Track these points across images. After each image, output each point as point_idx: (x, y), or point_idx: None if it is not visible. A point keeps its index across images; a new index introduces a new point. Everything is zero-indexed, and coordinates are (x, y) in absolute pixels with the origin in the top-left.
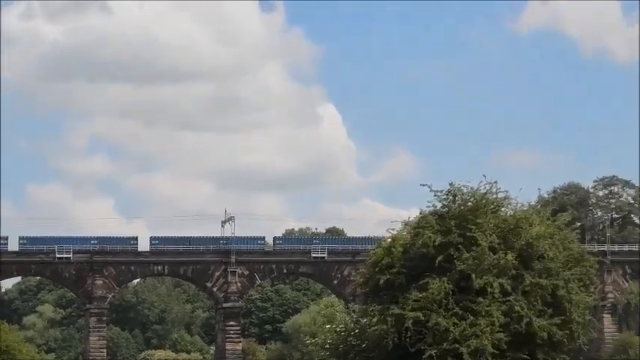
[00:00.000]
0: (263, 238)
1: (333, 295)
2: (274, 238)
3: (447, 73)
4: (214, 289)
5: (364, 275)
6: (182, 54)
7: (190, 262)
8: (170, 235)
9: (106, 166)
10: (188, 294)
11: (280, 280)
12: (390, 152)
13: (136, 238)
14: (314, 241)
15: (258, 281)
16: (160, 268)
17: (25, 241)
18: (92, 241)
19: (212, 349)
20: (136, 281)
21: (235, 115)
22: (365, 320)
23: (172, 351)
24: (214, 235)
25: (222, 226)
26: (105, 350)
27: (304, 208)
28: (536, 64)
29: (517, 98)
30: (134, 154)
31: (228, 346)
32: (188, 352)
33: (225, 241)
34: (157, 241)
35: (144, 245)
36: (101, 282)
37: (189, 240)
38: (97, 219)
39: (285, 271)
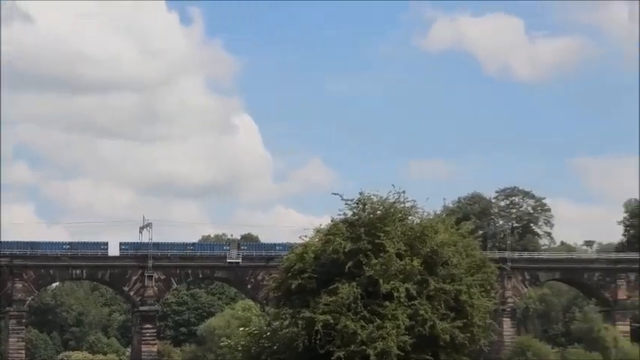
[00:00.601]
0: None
1: (248, 299)
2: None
3: (359, 86)
4: (131, 293)
5: (277, 280)
6: (104, 65)
7: (108, 266)
8: (88, 240)
9: (28, 173)
10: (105, 297)
11: (196, 284)
12: (303, 162)
13: (106, 243)
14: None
15: (175, 285)
16: (78, 272)
17: None
18: (65, 246)
19: (128, 351)
20: (54, 284)
21: (155, 125)
22: (277, 323)
23: (89, 352)
24: (133, 241)
25: (140, 232)
26: (24, 352)
27: (220, 215)
28: (443, 79)
29: (425, 112)
30: (56, 162)
31: (144, 348)
32: (105, 354)
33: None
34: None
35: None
36: (21, 285)
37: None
38: (17, 224)
39: (200, 275)
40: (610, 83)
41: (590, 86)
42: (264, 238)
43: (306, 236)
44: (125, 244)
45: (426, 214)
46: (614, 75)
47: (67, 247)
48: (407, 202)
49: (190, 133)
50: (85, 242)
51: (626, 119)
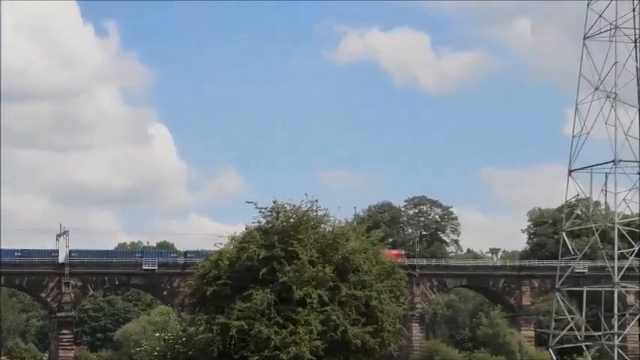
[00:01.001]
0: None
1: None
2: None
3: (272, 98)
4: (48, 299)
5: (192, 286)
6: (20, 75)
7: (26, 273)
8: (5, 247)
9: None
10: (23, 303)
11: (112, 291)
12: (218, 171)
13: (22, 250)
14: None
15: (91, 292)
16: None
17: None
18: (16, 254)
19: (45, 356)
20: None
21: (71, 135)
22: (192, 329)
23: (7, 358)
24: (48, 249)
25: (57, 239)
26: None
27: (136, 223)
28: (354, 92)
29: (337, 124)
30: None
31: (61, 353)
32: (22, 359)
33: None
34: None
35: None
36: None
37: (22, 252)
38: None
39: (117, 282)
40: (513, 97)
41: (493, 100)
42: (180, 246)
43: (220, 244)
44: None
45: (337, 222)
46: (517, 89)
47: (19, 254)
48: (319, 210)
49: (106, 143)
50: (2, 249)
51: (529, 133)
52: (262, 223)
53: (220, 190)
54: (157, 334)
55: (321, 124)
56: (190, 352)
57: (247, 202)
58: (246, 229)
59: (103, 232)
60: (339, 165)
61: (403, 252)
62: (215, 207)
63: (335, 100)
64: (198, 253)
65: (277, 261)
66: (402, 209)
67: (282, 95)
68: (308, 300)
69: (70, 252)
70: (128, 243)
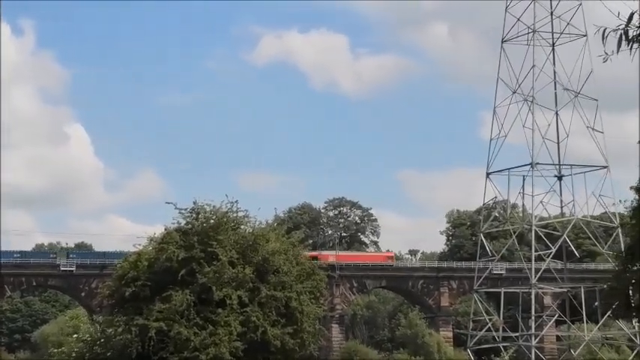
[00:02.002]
0: None
1: (80, 307)
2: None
3: (189, 98)
4: None
5: (111, 288)
6: None
7: None
8: None
9: None
10: None
11: (30, 292)
12: (136, 171)
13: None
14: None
15: (8, 293)
16: None
17: None
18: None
19: None
20: None
21: None
22: (110, 330)
23: None
24: None
25: None
26: None
27: (53, 224)
28: (271, 94)
29: (256, 125)
30: None
31: None
32: None
33: None
34: None
35: None
36: None
37: None
38: None
39: (34, 283)
40: (431, 100)
41: (412, 103)
42: (98, 247)
43: (139, 244)
44: None
45: (257, 223)
46: (435, 92)
47: (18, 255)
48: (239, 211)
49: (22, 143)
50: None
51: (447, 136)
52: (182, 224)
53: (138, 191)
54: (74, 336)
55: (241, 126)
56: (109, 354)
57: (167, 202)
58: (165, 229)
59: (20, 233)
60: (259, 167)
61: (392, 254)
62: (133, 207)
63: (253, 102)
64: (116, 254)
65: (197, 262)
66: (322, 211)
67: (199, 96)
68: (228, 301)
69: None
70: (46, 244)
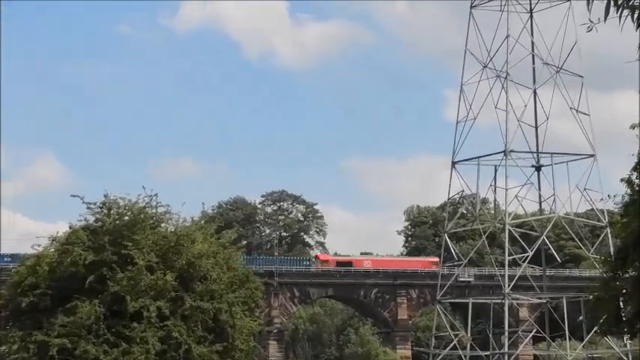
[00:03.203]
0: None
1: None
2: None
3: (98, 70)
4: None
5: (4, 297)
6: None
7: None
8: None
9: None
10: None
11: None
12: (32, 156)
13: None
14: None
15: None
16: None
17: None
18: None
19: None
20: None
21: None
22: (4, 348)
23: None
24: None
25: None
26: None
27: None
28: (197, 65)
29: (177, 103)
30: None
31: None
32: None
33: None
34: None
35: None
36: None
37: None
38: None
39: None
40: (385, 76)
41: (362, 79)
42: None
43: (39, 245)
44: None
45: (181, 221)
46: (390, 67)
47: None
48: (159, 206)
49: None
50: None
51: (404, 118)
52: (90, 222)
53: (36, 180)
54: None
55: (161, 104)
56: None
57: (72, 195)
58: (70, 228)
59: None
60: (182, 153)
61: (437, 259)
62: (30, 200)
63: (174, 75)
64: (12, 257)
65: (108, 267)
66: (259, 206)
67: (110, 68)
68: (145, 313)
69: None
70: None
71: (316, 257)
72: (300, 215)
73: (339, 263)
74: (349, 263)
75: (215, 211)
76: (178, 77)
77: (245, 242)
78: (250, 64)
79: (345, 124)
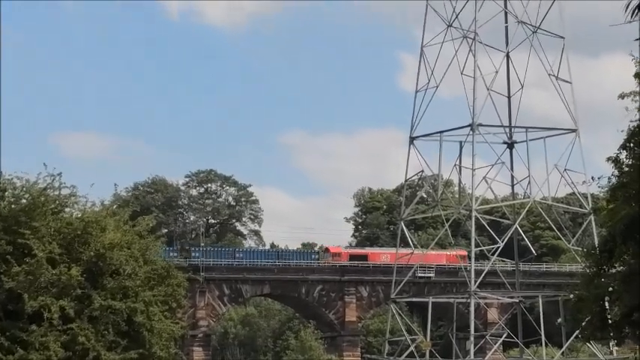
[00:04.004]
0: None
1: None
2: None
3: None
4: None
5: None
6: None
7: None
8: None
9: None
10: None
11: None
12: None
13: None
14: None
15: None
16: None
17: None
18: None
19: None
20: None
21: None
22: None
23: None
24: None
25: None
26: None
27: None
28: (106, 22)
29: (86, 70)
30: None
31: None
32: None
33: None
34: None
35: None
36: None
37: None
38: None
39: None
40: (328, 38)
41: (301, 42)
42: None
43: None
44: None
45: (90, 205)
46: (334, 27)
47: None
48: (63, 187)
49: None
50: None
51: (351, 86)
52: None
53: None
54: None
55: (65, 70)
56: None
57: None
58: None
59: None
60: (89, 126)
61: (465, 252)
62: None
63: (81, 37)
64: None
65: (2, 259)
66: (182, 188)
67: (10, 31)
68: (45, 314)
69: None
70: None
71: (326, 250)
72: (230, 199)
73: (352, 257)
74: (364, 257)
75: (130, 194)
76: (85, 38)
77: (166, 231)
78: (171, 24)
79: (283, 95)
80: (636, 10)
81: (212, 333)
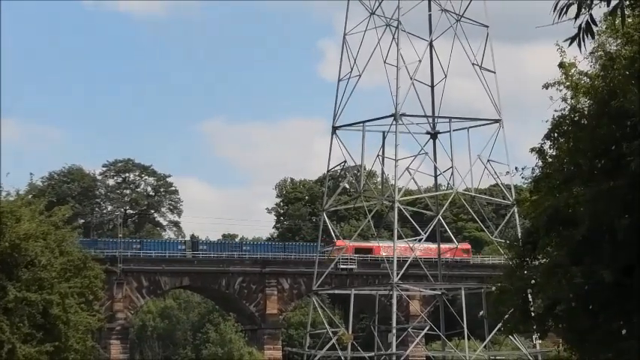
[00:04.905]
0: None
1: None
2: None
3: None
4: None
5: None
6: None
7: None
8: None
9: None
10: None
11: None
12: None
13: None
14: None
15: None
16: None
17: None
18: None
19: None
20: None
21: None
22: None
23: None
24: None
25: None
26: None
27: None
28: (30, 10)
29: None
30: None
31: None
32: None
33: None
34: None
35: None
36: None
37: None
38: None
39: None
40: (249, 24)
41: (220, 27)
42: None
43: None
44: None
45: (4, 194)
46: (255, 14)
47: None
48: None
49: None
50: None
51: (272, 74)
52: None
53: None
54: None
55: None
56: None
57: None
58: None
59: None
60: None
61: (468, 246)
62: None
63: None
64: None
65: None
66: (99, 178)
67: None
68: None
69: None
70: None
71: (328, 242)
72: (149, 189)
73: (357, 250)
74: (369, 250)
75: (46, 184)
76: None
77: (82, 221)
78: (88, 10)
79: (202, 83)
80: (564, 10)
81: (130, 326)
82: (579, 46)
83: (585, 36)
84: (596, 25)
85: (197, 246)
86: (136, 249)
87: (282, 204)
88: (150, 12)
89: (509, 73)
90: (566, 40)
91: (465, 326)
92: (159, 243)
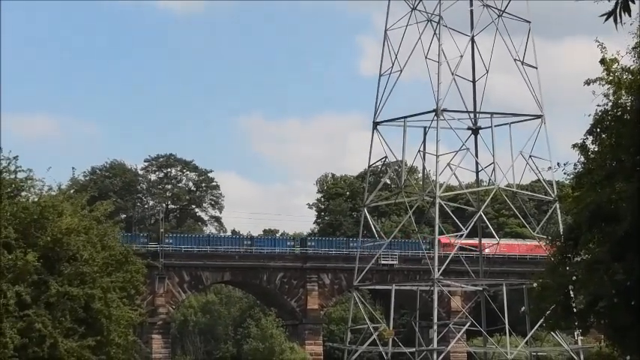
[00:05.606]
0: None
1: None
2: None
3: None
4: None
5: None
6: None
7: None
8: None
9: None
10: None
11: None
12: None
13: None
14: None
15: None
16: None
17: None
18: None
19: None
20: None
21: None
22: None
23: None
24: None
25: None
26: None
27: None
28: (68, 6)
29: (34, 47)
30: None
31: None
32: None
33: None
34: None
35: None
36: None
37: None
38: None
39: None
40: (285, 20)
41: (258, 24)
42: None
43: None
44: None
45: (46, 189)
46: (291, 9)
47: None
48: (19, 171)
49: None
50: None
51: (311, 70)
52: None
53: None
54: None
55: (10, 45)
56: None
57: None
58: None
59: None
60: (43, 106)
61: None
62: None
63: (27, 12)
64: None
65: None
66: (141, 173)
67: None
68: (1, 300)
69: None
70: None
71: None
72: (191, 184)
73: (461, 248)
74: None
75: (87, 179)
76: (32, 13)
77: (124, 216)
78: (126, 4)
79: (242, 76)
80: None
81: (171, 320)
82: (615, 22)
83: (622, 12)
84: (633, 2)
85: (305, 243)
86: (247, 245)
87: (322, 199)
88: (189, 9)
89: (551, 68)
90: (603, 15)
91: (506, 322)
92: (269, 240)
